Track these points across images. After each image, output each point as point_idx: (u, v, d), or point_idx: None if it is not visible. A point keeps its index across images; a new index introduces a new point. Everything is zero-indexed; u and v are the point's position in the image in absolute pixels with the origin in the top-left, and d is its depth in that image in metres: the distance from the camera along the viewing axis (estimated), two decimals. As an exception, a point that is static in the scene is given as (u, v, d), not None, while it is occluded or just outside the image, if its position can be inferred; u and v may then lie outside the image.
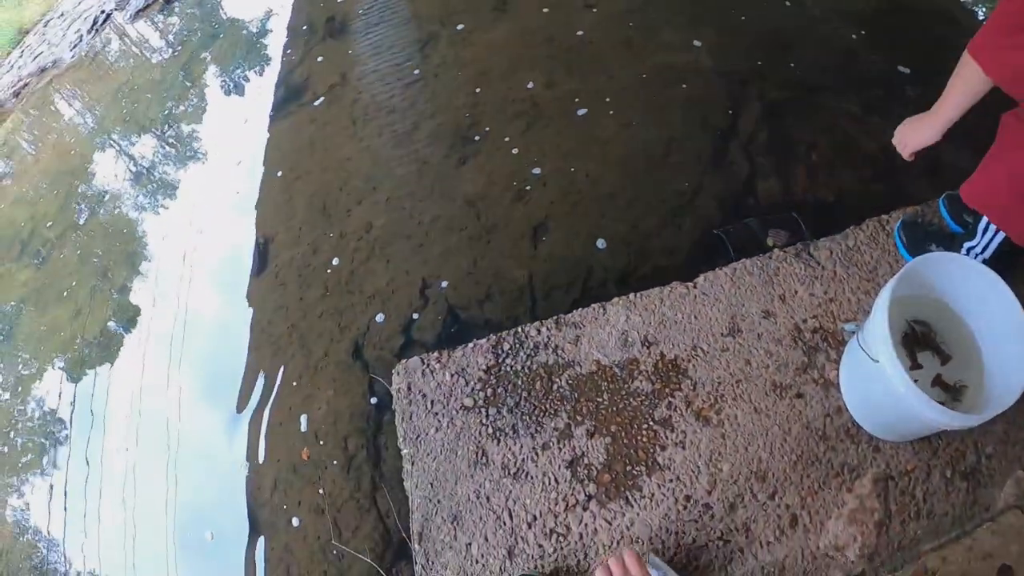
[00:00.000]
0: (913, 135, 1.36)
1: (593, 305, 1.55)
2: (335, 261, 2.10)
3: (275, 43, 3.24)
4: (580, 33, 2.41)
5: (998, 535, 1.28)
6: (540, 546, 1.40)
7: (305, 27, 3.11)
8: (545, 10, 2.52)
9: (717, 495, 1.37)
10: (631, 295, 1.55)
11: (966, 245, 1.49)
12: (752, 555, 1.31)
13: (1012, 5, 1.10)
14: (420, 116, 2.31)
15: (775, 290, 1.53)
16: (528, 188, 2.00)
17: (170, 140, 3.07)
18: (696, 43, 2.30)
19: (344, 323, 1.99)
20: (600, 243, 1.85)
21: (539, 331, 1.55)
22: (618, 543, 1.37)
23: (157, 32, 4.00)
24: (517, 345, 1.55)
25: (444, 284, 1.91)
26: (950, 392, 1.38)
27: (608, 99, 2.17)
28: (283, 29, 3.25)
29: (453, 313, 1.87)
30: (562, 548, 1.39)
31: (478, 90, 2.30)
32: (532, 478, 1.44)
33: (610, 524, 1.38)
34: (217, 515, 1.81)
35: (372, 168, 2.27)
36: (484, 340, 1.57)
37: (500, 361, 1.54)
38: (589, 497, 1.40)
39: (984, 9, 2.35)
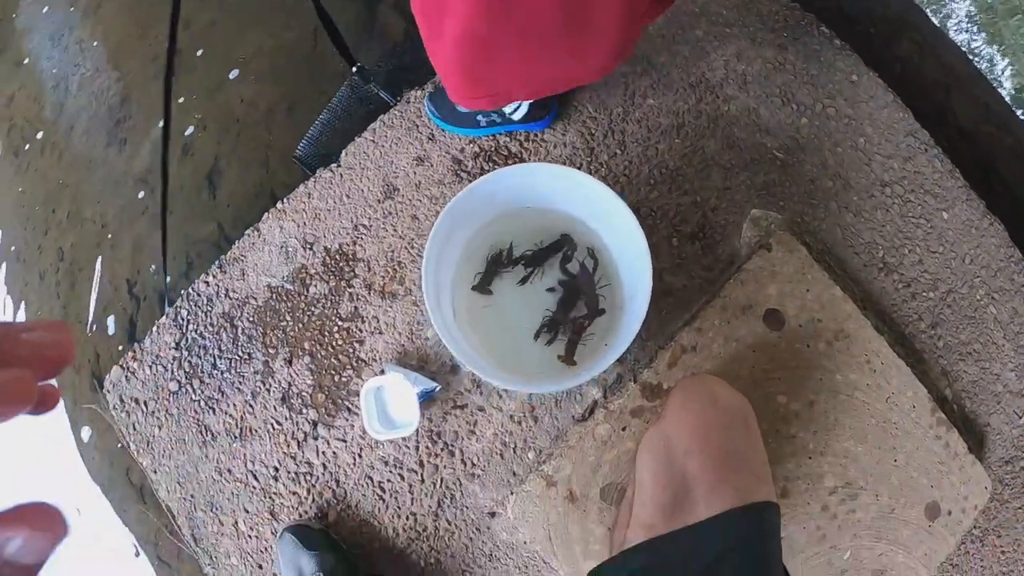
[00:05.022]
0: None
1: (247, 231, 1.40)
2: (47, 306, 1.87)
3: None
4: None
5: (748, 283, 1.20)
6: (294, 494, 1.30)
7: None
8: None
9: (432, 367, 1.28)
10: (278, 204, 1.40)
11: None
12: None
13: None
14: (73, 116, 2.03)
15: (422, 132, 1.40)
16: (192, 139, 1.79)
17: None
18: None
19: (77, 363, 1.78)
20: (272, 164, 1.69)
21: (207, 283, 1.39)
22: (360, 455, 1.28)
23: None
24: (193, 307, 1.39)
25: (145, 276, 1.72)
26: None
27: (245, 12, 1.94)
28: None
29: (165, 298, 1.69)
30: (314, 486, 1.29)
31: (118, 62, 2.02)
32: (257, 432, 1.32)
33: (345, 441, 1.29)
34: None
35: (45, 191, 1.99)
36: (164, 317, 1.41)
37: (185, 331, 1.39)
38: (314, 424, 1.29)
39: None
